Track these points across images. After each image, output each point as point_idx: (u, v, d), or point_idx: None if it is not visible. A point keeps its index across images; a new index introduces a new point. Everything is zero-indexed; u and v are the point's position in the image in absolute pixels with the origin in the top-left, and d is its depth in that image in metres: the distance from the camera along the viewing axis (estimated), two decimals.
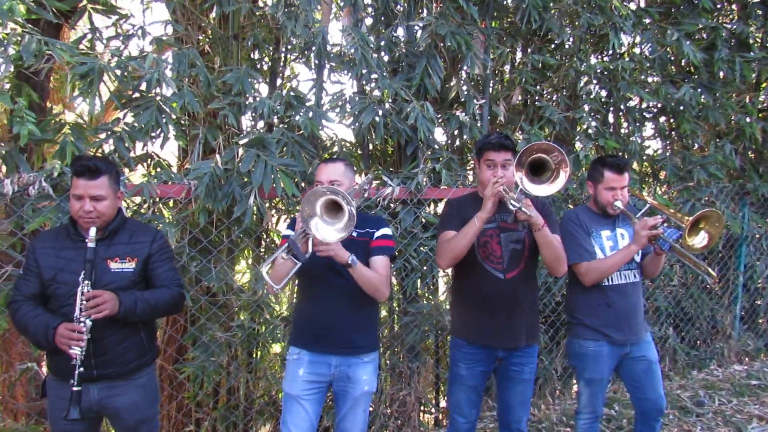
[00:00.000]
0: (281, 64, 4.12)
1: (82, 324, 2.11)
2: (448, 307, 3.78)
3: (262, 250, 3.81)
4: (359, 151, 4.06)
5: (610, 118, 4.90)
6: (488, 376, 2.73)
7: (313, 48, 3.61)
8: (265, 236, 3.75)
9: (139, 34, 3.32)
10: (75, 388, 2.11)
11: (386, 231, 2.57)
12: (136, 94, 3.14)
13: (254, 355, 3.65)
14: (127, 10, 3.44)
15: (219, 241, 3.30)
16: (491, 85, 4.29)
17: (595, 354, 2.82)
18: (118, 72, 3.05)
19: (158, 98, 3.05)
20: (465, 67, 3.95)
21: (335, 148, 3.89)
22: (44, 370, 3.25)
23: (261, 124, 3.65)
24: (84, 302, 2.12)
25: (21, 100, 2.75)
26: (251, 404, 3.61)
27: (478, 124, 4.01)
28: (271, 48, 3.95)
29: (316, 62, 3.71)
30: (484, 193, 2.50)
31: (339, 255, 2.30)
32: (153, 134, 3.13)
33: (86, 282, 2.14)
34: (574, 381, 4.37)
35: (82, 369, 2.12)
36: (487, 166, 2.59)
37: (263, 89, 3.93)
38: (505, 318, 2.59)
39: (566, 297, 3.03)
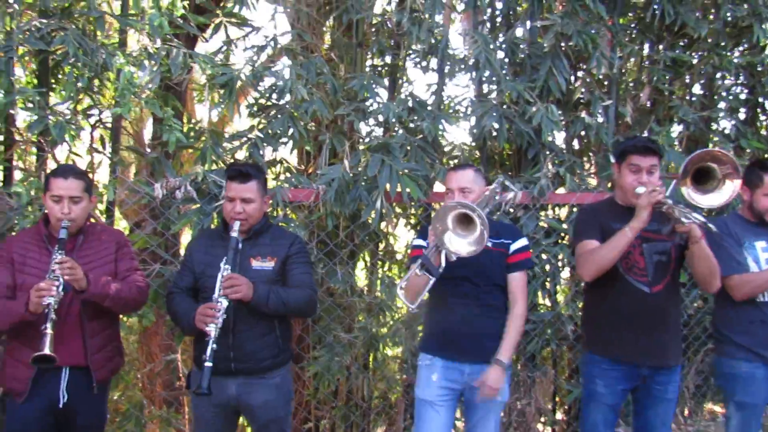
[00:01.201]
0: (400, 69, 4.16)
1: (218, 303, 2.22)
2: (569, 314, 3.64)
3: (381, 252, 3.86)
4: (477, 155, 4.01)
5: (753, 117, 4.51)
6: (628, 395, 2.59)
7: (436, 52, 3.61)
8: (385, 239, 3.78)
9: (271, 45, 3.48)
10: (207, 364, 2.20)
11: (524, 242, 2.53)
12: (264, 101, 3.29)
13: (374, 357, 3.70)
14: (250, 21, 3.60)
15: (343, 244, 3.37)
16: (618, 84, 4.08)
17: (747, 376, 2.60)
18: (254, 81, 3.21)
19: (289, 106, 3.18)
20: (591, 67, 3.79)
21: (455, 152, 3.86)
22: (180, 363, 3.49)
23: (379, 129, 3.70)
24: (222, 284, 2.25)
25: (168, 109, 2.95)
26: (370, 405, 3.66)
27: (605, 126, 3.83)
28: (391, 54, 4.00)
29: (438, 66, 3.71)
30: (637, 202, 2.36)
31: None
32: (283, 140, 3.27)
33: (227, 267, 2.27)
34: (708, 401, 4.09)
35: (215, 346, 2.20)
36: (630, 171, 2.46)
37: (382, 94, 3.99)
38: (651, 334, 2.44)
39: (714, 312, 2.82)
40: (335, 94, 3.40)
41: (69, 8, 2.96)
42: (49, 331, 2.10)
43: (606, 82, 4.11)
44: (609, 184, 3.74)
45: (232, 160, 3.14)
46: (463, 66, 3.81)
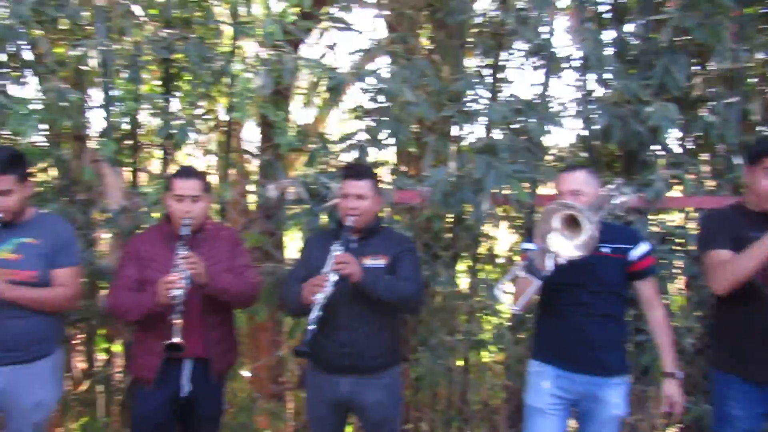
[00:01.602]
0: (501, 69, 4.08)
1: (328, 276, 2.25)
2: (687, 327, 3.42)
3: (482, 255, 3.79)
4: (583, 156, 3.86)
5: None
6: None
7: (541, 51, 3.51)
8: (487, 242, 3.72)
9: (374, 47, 3.52)
10: (311, 327, 2.21)
11: (646, 247, 2.40)
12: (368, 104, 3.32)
13: (474, 361, 3.65)
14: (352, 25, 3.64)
15: (447, 247, 3.35)
16: (744, 79, 3.79)
17: None
18: (358, 84, 3.26)
19: (394, 108, 3.19)
20: (713, 62, 3.54)
21: (561, 154, 3.73)
22: (287, 360, 3.59)
23: (482, 130, 3.64)
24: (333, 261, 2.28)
25: (281, 113, 3.05)
26: (471, 410, 3.61)
27: (729, 125, 3.56)
28: (493, 54, 3.93)
29: (543, 65, 3.60)
30: None
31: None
32: (387, 142, 3.30)
33: (340, 248, 2.31)
34: None
35: (320, 313, 2.22)
36: (767, 175, 2.27)
37: (485, 95, 3.93)
38: None
39: None
40: (439, 95, 3.38)
41: (189, 18, 3.14)
42: (177, 321, 2.22)
43: (729, 78, 3.83)
44: (734, 188, 3.48)
45: (339, 162, 3.20)
46: (568, 64, 3.68)
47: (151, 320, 2.39)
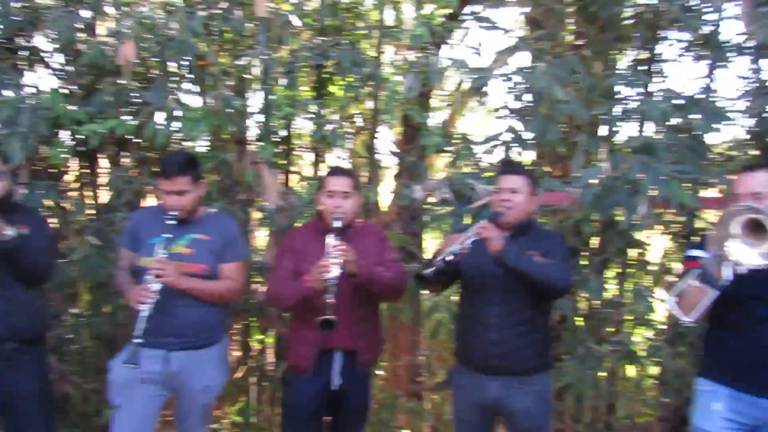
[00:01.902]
0: (654, 62, 3.80)
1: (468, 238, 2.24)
2: None
3: (633, 261, 3.56)
4: (753, 154, 3.49)
5: None
6: None
7: (705, 41, 3.22)
8: (639, 247, 3.49)
9: (518, 45, 3.43)
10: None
11: None
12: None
13: (622, 373, 3.44)
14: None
15: (597, 252, 3.18)
16: None
17: None
18: (503, 83, 3.20)
19: (543, 107, 3.09)
20: None
21: (733, 152, 3.40)
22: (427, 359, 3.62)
23: (635, 128, 3.41)
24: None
25: (428, 114, 3.07)
26: (619, 424, 3.41)
27: None
28: (650, 47, 3.67)
29: (707, 55, 3.30)
30: None
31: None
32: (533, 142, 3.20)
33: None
34: None
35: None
36: None
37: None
38: None
39: None
40: (590, 92, 3.22)
41: (340, 26, 3.27)
42: (331, 300, 2.28)
43: None
44: None
45: (483, 164, 3.17)
46: (736, 53, 3.34)
47: (305, 309, 2.48)
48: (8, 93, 2.98)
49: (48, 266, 2.53)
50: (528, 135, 3.13)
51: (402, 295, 2.73)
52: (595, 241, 3.21)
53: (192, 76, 3.27)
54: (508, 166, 2.55)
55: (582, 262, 3.17)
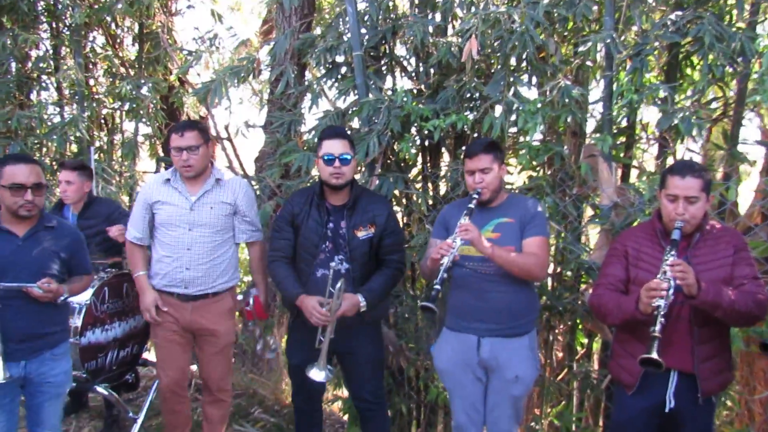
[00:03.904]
0: None
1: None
2: None
3: None
4: None
5: None
6: None
7: None
8: None
9: None
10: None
11: None
12: None
13: None
14: None
15: None
16: None
17: None
18: None
19: None
20: None
21: None
22: None
23: None
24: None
25: None
26: None
27: None
28: None
29: None
30: None
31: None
32: None
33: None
34: None
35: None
36: None
37: None
38: None
39: None
40: None
41: None
42: (656, 334, 2.01)
43: None
44: None
45: None
46: None
47: (635, 324, 2.24)
48: (371, 96, 3.40)
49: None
50: None
51: (758, 320, 2.26)
52: None
53: (531, 68, 3.22)
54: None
55: None
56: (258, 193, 4.09)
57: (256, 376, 4.29)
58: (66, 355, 2.59)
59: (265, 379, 4.32)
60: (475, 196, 2.48)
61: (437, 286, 2.30)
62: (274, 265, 2.80)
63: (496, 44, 3.22)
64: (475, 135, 3.45)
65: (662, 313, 2.02)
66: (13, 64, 5.69)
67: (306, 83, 4.04)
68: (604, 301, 2.33)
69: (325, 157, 2.70)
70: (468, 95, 3.26)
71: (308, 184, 3.48)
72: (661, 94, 2.70)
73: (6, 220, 2.46)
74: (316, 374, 2.58)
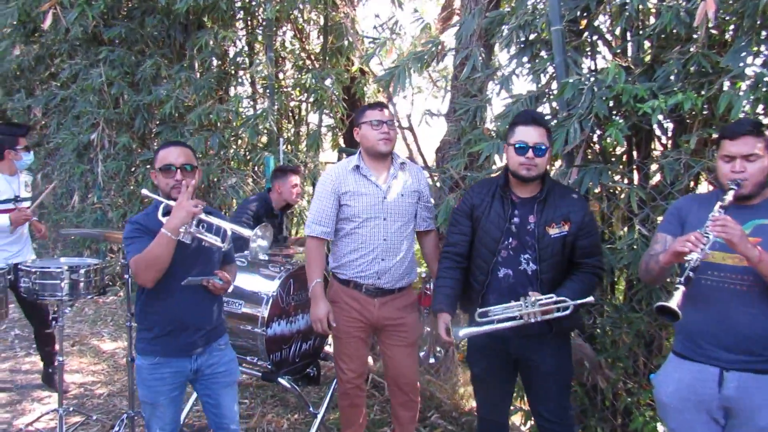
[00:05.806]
0: None
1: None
2: None
3: None
4: None
5: None
6: None
7: None
8: None
9: None
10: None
11: None
12: None
13: None
14: None
15: None
16: None
17: None
18: None
19: None
20: None
21: None
22: None
23: None
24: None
25: None
26: None
27: None
28: None
29: None
30: None
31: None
32: None
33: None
34: None
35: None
36: None
37: None
38: None
39: None
40: None
41: None
42: (681, 286, 1.93)
43: None
44: None
45: None
46: None
47: None
48: (573, 76, 2.97)
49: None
50: None
51: None
52: None
53: None
54: None
55: None
56: (439, 185, 3.87)
57: (432, 378, 4.08)
58: (228, 345, 2.62)
59: (442, 381, 4.09)
60: (734, 187, 1.99)
61: (681, 286, 1.92)
62: (442, 264, 2.60)
63: (735, 4, 2.61)
64: (700, 117, 2.85)
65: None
66: (215, 61, 6.15)
67: (495, 65, 3.71)
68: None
69: (518, 146, 2.39)
70: (698, 69, 2.67)
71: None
72: None
73: None
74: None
